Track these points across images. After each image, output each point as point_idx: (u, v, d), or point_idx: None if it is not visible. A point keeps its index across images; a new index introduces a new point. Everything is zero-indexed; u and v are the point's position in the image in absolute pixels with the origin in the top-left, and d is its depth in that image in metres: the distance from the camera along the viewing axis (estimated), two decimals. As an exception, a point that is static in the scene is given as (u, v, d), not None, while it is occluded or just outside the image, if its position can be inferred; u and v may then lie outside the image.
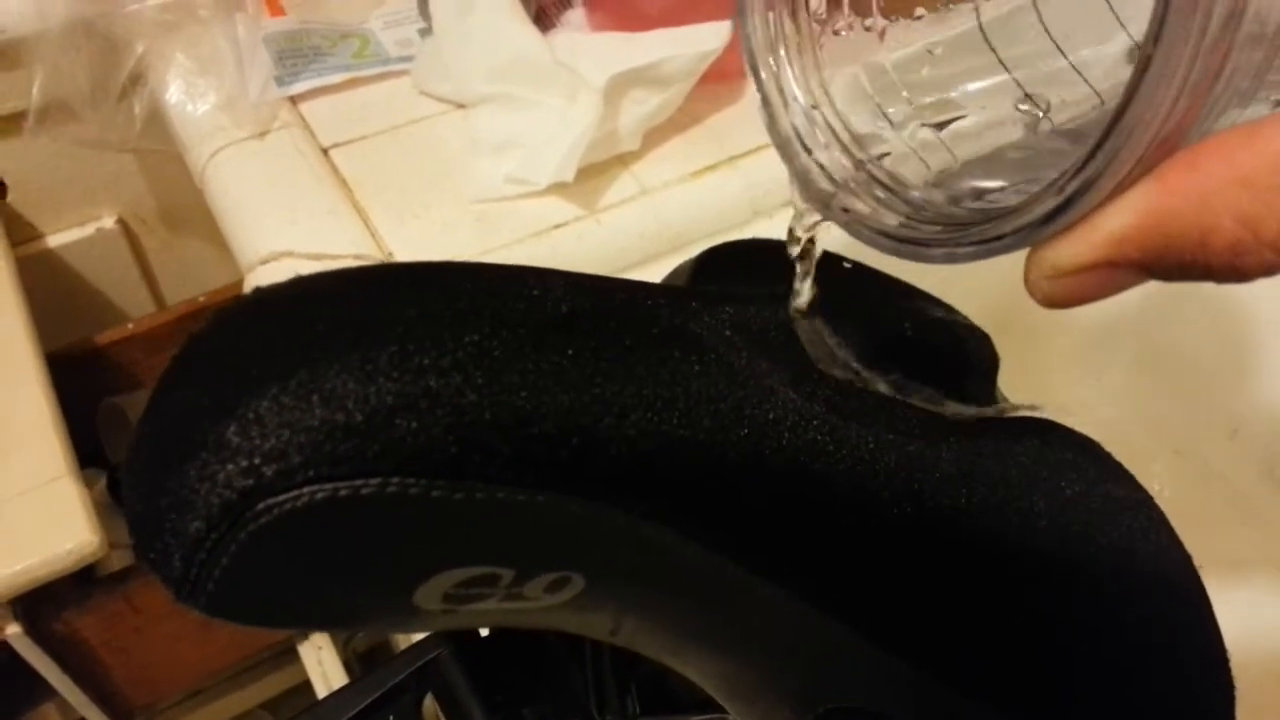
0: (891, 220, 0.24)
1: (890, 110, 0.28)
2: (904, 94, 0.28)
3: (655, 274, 0.50)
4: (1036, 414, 0.33)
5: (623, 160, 0.52)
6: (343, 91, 0.54)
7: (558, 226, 0.49)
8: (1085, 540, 0.29)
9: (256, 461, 0.16)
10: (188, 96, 0.52)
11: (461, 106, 0.54)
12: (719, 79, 0.54)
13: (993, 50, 0.27)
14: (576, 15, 0.58)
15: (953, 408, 0.30)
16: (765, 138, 0.58)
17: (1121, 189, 0.17)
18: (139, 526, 0.17)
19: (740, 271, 0.35)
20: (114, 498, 0.65)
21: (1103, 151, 0.17)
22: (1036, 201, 0.19)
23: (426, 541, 0.18)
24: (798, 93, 0.27)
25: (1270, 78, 0.17)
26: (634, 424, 0.19)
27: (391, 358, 0.17)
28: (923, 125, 0.27)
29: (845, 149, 0.27)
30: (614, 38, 0.53)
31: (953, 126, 0.27)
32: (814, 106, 0.27)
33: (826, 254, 0.37)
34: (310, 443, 0.16)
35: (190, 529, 0.16)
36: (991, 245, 0.20)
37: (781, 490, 0.22)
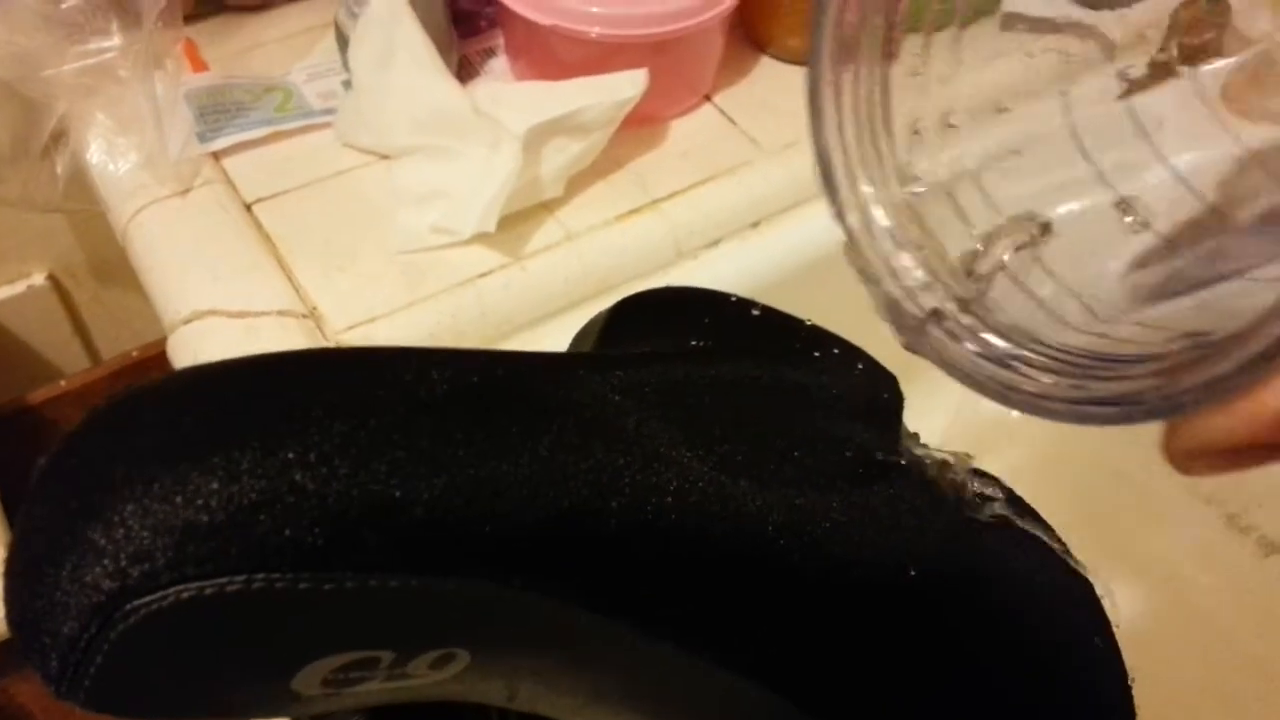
0: (992, 363, 0.21)
1: (977, 226, 0.24)
2: (993, 203, 0.24)
3: (583, 319, 0.50)
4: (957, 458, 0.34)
5: (547, 206, 0.53)
6: (266, 145, 0.54)
7: (483, 275, 0.50)
8: (979, 578, 0.30)
9: (122, 563, 0.16)
10: (109, 156, 0.52)
11: (385, 158, 0.54)
12: (640, 124, 0.55)
13: (1081, 150, 0.23)
14: (500, 64, 0.59)
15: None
16: (687, 180, 0.59)
17: None
18: (18, 628, 0.18)
19: (652, 324, 0.36)
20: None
21: None
22: (1191, 365, 0.16)
23: (298, 632, 0.18)
24: (881, 214, 0.23)
25: None
26: (509, 500, 0.20)
27: (254, 454, 0.17)
28: (1017, 247, 0.23)
29: (936, 276, 0.23)
30: (535, 87, 0.54)
31: (1051, 245, 0.23)
32: (901, 232, 0.23)
33: (738, 300, 0.38)
34: (174, 544, 0.16)
35: (63, 631, 0.17)
36: (1130, 411, 0.17)
37: (666, 552, 0.23)
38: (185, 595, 0.16)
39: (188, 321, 0.47)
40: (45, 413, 0.68)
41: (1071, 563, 0.33)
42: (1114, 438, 0.64)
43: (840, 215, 0.23)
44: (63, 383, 0.69)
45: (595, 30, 0.53)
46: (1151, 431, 0.57)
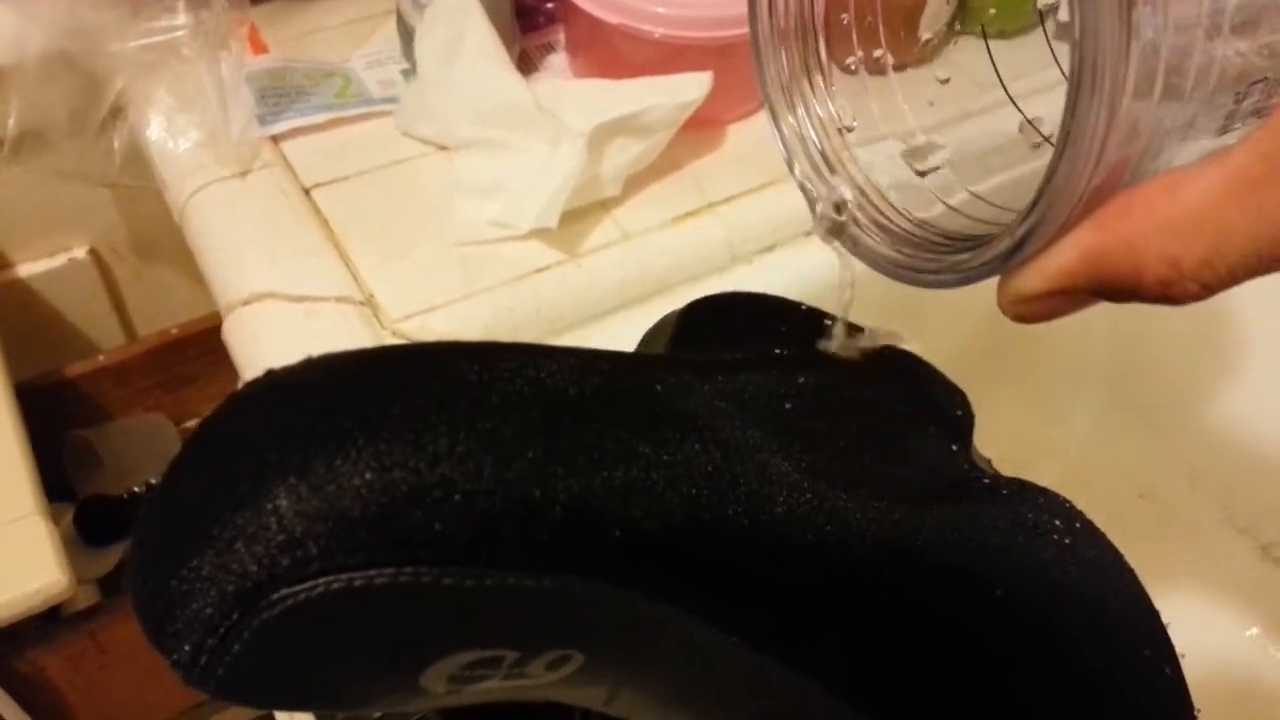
0: (889, 247, 0.27)
1: (897, 138, 0.29)
2: (911, 122, 0.30)
3: (636, 318, 0.50)
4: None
5: (604, 205, 0.52)
6: (325, 131, 0.54)
7: (540, 270, 0.50)
8: (1060, 602, 0.30)
9: (273, 551, 0.16)
10: (168, 133, 0.52)
11: (444, 148, 0.54)
12: (699, 127, 0.55)
13: (999, 79, 0.28)
14: (559, 60, 0.59)
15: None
16: (744, 184, 0.59)
17: (1067, 228, 0.19)
18: (148, 609, 0.18)
19: (727, 329, 0.36)
20: (80, 533, 0.64)
21: (1038, 207, 0.19)
22: (997, 240, 0.21)
23: (436, 627, 0.18)
24: (812, 133, 0.29)
25: (1201, 121, 0.19)
26: (637, 505, 0.20)
27: (406, 447, 0.17)
28: (927, 160, 0.29)
29: (852, 181, 0.29)
30: (597, 85, 0.54)
31: (959, 159, 0.29)
32: (826, 142, 0.29)
33: (809, 309, 0.38)
34: (326, 533, 0.16)
35: (203, 616, 0.17)
36: (968, 274, 0.23)
37: (772, 562, 0.23)
38: (335, 586, 0.16)
39: (246, 303, 0.47)
40: (82, 386, 0.68)
41: (1140, 590, 0.33)
42: (1141, 460, 0.64)
43: (777, 128, 0.29)
44: (100, 357, 0.69)
45: (660, 31, 0.52)
46: (1174, 455, 0.57)
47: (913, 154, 0.30)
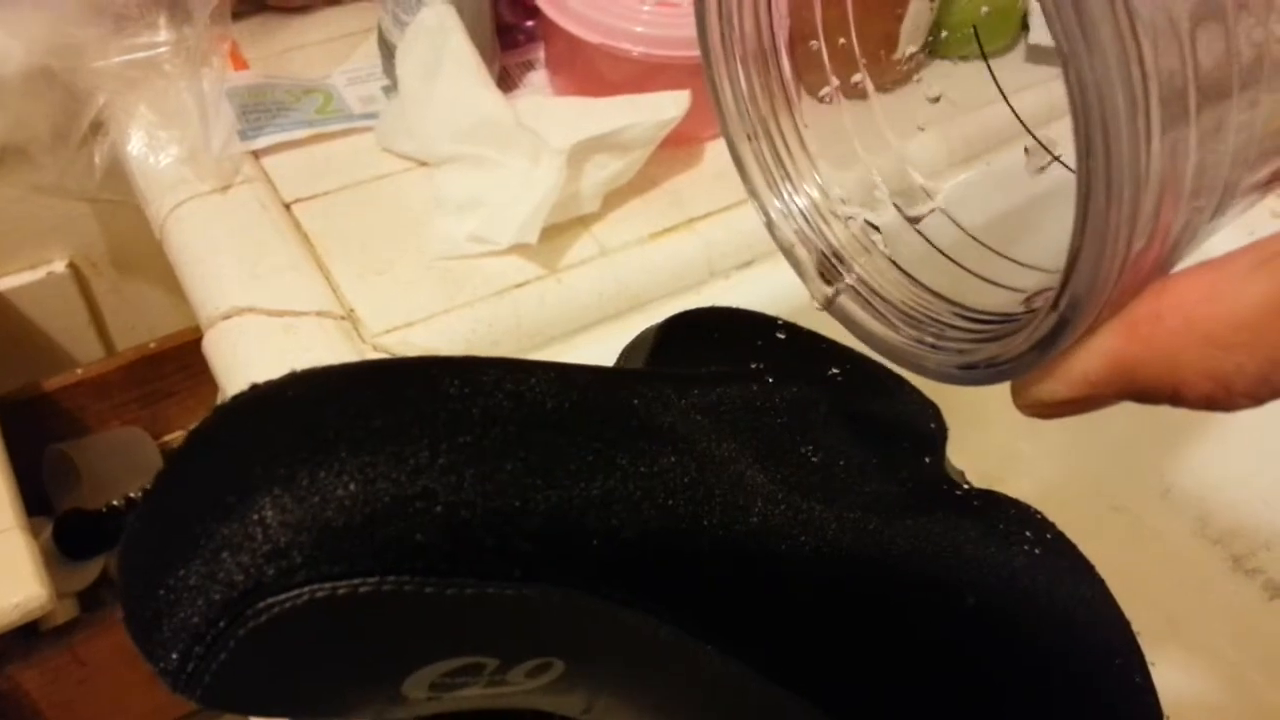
0: (886, 326, 0.24)
1: (884, 177, 0.26)
2: (899, 153, 0.26)
3: (615, 333, 0.51)
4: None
5: (583, 221, 0.53)
6: (306, 147, 0.55)
7: (519, 286, 0.50)
8: (1031, 611, 0.30)
9: (258, 561, 0.17)
10: (149, 149, 0.53)
11: (424, 164, 0.54)
12: (678, 144, 0.55)
13: (1001, 93, 0.26)
14: (539, 77, 0.59)
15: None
16: (722, 201, 0.59)
17: (1092, 329, 0.17)
18: (136, 617, 0.18)
19: (705, 344, 0.37)
20: (59, 547, 0.64)
21: (1058, 308, 0.17)
22: (1013, 340, 0.19)
23: (418, 636, 0.18)
24: (797, 203, 0.26)
25: (1247, 180, 0.17)
26: (615, 516, 0.20)
27: (389, 459, 0.18)
28: (922, 204, 0.26)
29: (834, 255, 0.25)
30: (576, 102, 0.54)
31: (955, 199, 0.26)
32: (808, 202, 0.26)
33: (785, 324, 0.38)
34: (310, 543, 0.17)
35: (190, 624, 0.17)
36: (975, 377, 0.20)
37: (748, 572, 0.23)
38: (319, 595, 0.17)
39: (226, 317, 0.47)
40: (60, 400, 0.68)
41: (1110, 599, 0.34)
42: (1114, 473, 0.65)
43: (756, 197, 0.26)
44: (79, 371, 0.69)
45: (639, 49, 0.53)
46: (1147, 469, 0.57)
47: (905, 197, 0.26)
